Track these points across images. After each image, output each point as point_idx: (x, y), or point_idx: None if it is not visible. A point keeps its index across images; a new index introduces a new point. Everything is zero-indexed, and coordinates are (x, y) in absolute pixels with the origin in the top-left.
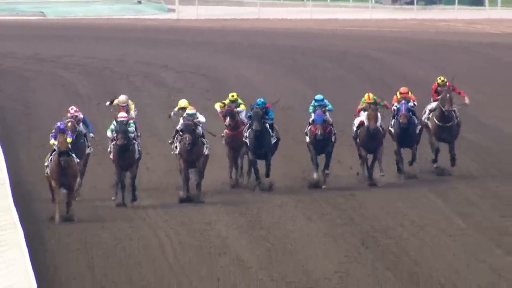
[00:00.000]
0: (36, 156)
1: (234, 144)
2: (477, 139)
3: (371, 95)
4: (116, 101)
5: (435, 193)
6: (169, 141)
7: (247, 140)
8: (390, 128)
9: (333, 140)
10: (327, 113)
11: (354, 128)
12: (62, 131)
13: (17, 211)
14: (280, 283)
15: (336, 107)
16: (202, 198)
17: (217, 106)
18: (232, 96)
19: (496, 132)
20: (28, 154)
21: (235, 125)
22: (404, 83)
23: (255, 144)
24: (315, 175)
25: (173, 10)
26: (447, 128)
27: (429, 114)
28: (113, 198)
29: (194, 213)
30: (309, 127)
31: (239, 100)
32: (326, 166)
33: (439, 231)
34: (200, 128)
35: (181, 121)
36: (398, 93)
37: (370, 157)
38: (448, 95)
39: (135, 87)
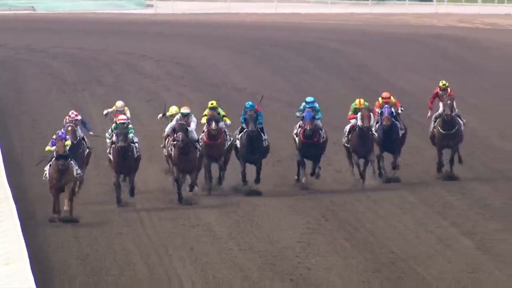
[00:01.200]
0: (26, 136)
1: (211, 154)
2: (424, 120)
3: (362, 100)
4: (113, 107)
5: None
6: (161, 145)
7: (237, 144)
8: (373, 132)
9: (321, 144)
10: (318, 121)
11: (345, 134)
12: (61, 139)
13: (10, 186)
14: (247, 252)
15: (298, 93)
16: (195, 201)
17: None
18: (212, 104)
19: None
20: (20, 134)
21: (215, 135)
22: (358, 71)
23: (248, 148)
24: (303, 180)
25: (151, 6)
26: (450, 136)
27: (434, 122)
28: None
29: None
30: (299, 129)
31: (219, 109)
32: (313, 170)
33: (392, 205)
34: (194, 134)
35: (169, 125)
36: (380, 98)
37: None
38: (449, 101)
39: (116, 74)
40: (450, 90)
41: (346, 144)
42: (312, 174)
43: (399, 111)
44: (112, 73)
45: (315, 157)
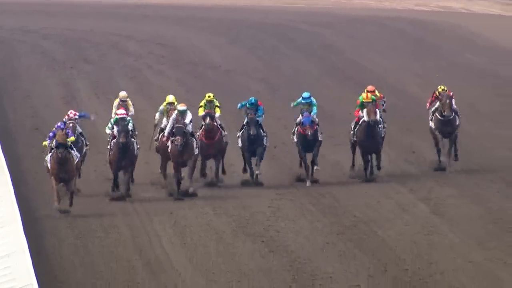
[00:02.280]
0: (19, 110)
1: (206, 153)
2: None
3: (369, 94)
4: (117, 99)
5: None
6: (154, 138)
7: (239, 140)
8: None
9: (319, 139)
10: (314, 115)
11: (351, 128)
12: (61, 129)
13: (4, 156)
14: (222, 216)
15: (270, 70)
16: (194, 192)
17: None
18: (209, 96)
19: (401, 93)
20: (13, 108)
21: (212, 134)
22: (325, 50)
23: (248, 144)
24: (303, 172)
25: None
26: (448, 122)
27: (432, 115)
28: (113, 195)
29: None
30: (297, 128)
31: (215, 102)
32: (313, 163)
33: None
34: (189, 127)
35: (165, 121)
36: (365, 90)
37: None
38: (448, 100)
39: (102, 53)
40: (449, 90)
41: (353, 138)
42: (314, 163)
43: (383, 103)
44: (98, 52)
45: (315, 148)
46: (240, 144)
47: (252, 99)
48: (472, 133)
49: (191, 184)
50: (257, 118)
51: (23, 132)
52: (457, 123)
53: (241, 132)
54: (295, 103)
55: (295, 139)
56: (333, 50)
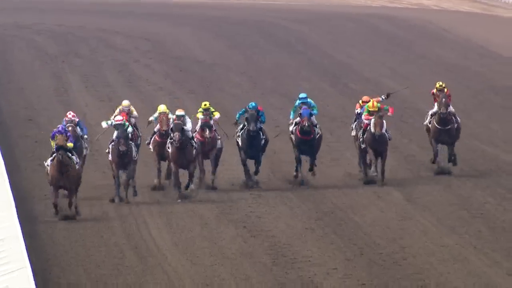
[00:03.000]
0: (13, 102)
1: (203, 150)
2: (360, 88)
3: (375, 103)
4: (120, 107)
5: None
6: (146, 142)
7: (238, 140)
8: (352, 126)
9: (317, 141)
10: (313, 117)
11: (360, 135)
12: (61, 133)
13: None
14: (207, 203)
15: (251, 64)
16: (194, 194)
17: (199, 115)
18: (205, 105)
19: (375, 85)
20: (7, 100)
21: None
22: (304, 45)
23: (247, 144)
24: (298, 177)
25: None
26: (446, 131)
27: (430, 118)
28: (115, 200)
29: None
30: (295, 129)
31: (212, 108)
32: (311, 166)
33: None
34: (189, 132)
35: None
36: (360, 101)
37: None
38: (444, 99)
39: (92, 48)
40: (447, 89)
41: (361, 145)
42: (310, 169)
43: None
44: (88, 47)
45: (312, 153)
46: (239, 143)
47: (252, 103)
48: None
49: (191, 190)
50: (261, 124)
51: (17, 123)
52: (455, 132)
53: (241, 131)
54: (293, 107)
55: (293, 139)
56: (311, 45)
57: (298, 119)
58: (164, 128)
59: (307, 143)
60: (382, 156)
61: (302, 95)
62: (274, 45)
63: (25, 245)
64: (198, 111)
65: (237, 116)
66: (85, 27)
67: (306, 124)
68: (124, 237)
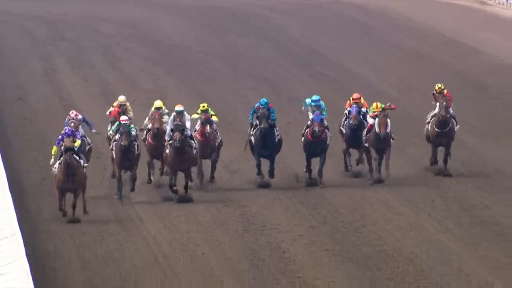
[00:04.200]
0: (5, 82)
1: (203, 152)
2: (329, 73)
3: (379, 104)
4: (116, 102)
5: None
6: (142, 138)
7: (252, 139)
8: (341, 128)
9: (328, 143)
10: (324, 120)
11: (364, 134)
12: (69, 136)
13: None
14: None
15: (227, 48)
16: (191, 197)
17: (195, 116)
18: (203, 106)
19: (342, 69)
20: None
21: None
22: (275, 31)
23: (261, 143)
24: (307, 176)
25: None
26: (444, 134)
27: (430, 119)
28: (115, 196)
29: None
30: (306, 130)
31: (210, 111)
32: (320, 169)
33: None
34: (188, 131)
35: (146, 120)
36: (351, 98)
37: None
38: (444, 102)
39: (77, 33)
40: (447, 91)
41: (364, 144)
42: (320, 172)
43: (364, 109)
44: (74, 32)
45: (322, 155)
46: (253, 142)
47: (264, 99)
48: (403, 105)
49: (190, 188)
50: (271, 122)
51: (8, 102)
52: (453, 133)
53: (254, 130)
54: (304, 104)
55: (303, 141)
56: (283, 31)
57: (309, 122)
58: (156, 125)
59: (318, 144)
60: (386, 154)
61: (315, 97)
62: (248, 31)
63: (16, 215)
64: (195, 112)
65: (250, 117)
66: (71, 13)
67: (317, 129)
68: (108, 208)
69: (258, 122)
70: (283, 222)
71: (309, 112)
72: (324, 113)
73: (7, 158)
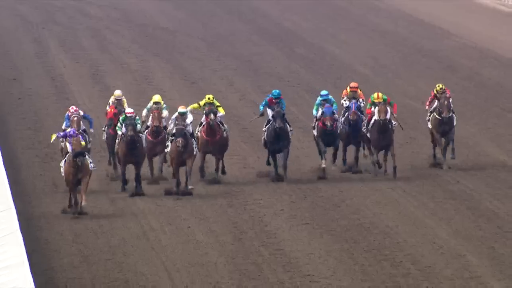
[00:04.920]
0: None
1: (208, 150)
2: (304, 52)
3: (380, 94)
4: (112, 98)
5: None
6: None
7: (265, 135)
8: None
9: (338, 132)
10: (335, 111)
11: (364, 126)
12: (76, 136)
13: None
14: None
15: (208, 29)
16: (190, 190)
17: (190, 108)
18: (209, 98)
19: (318, 49)
20: None
21: (214, 131)
22: (253, 13)
23: (274, 139)
24: (323, 165)
25: None
26: (446, 121)
27: (430, 115)
28: (119, 190)
29: None
30: (317, 122)
31: (216, 102)
32: (334, 158)
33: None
34: (190, 128)
35: (144, 112)
36: (348, 87)
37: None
38: (446, 102)
39: (68, 16)
40: (447, 90)
41: (365, 134)
42: (335, 159)
43: (362, 104)
44: (65, 15)
45: (334, 143)
46: (265, 137)
47: (276, 90)
48: (376, 83)
49: (190, 183)
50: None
51: (2, 82)
52: (454, 123)
53: (266, 126)
54: (315, 106)
55: (315, 133)
56: (260, 13)
57: (319, 114)
58: (156, 123)
59: (329, 133)
60: (389, 148)
61: (323, 92)
62: (228, 13)
63: (10, 190)
64: (199, 103)
65: (260, 107)
66: None
67: (329, 124)
68: (97, 184)
69: (272, 120)
70: (265, 197)
71: (314, 110)
72: (334, 105)
73: (1, 135)
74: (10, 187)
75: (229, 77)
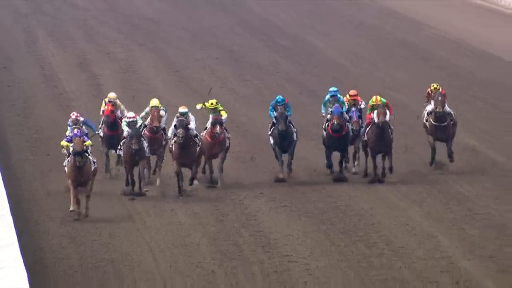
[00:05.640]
0: None
1: (211, 153)
2: (285, 43)
3: (378, 97)
4: (106, 99)
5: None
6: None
7: (270, 137)
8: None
9: (349, 137)
10: (344, 113)
11: (363, 129)
12: (78, 136)
13: None
14: None
15: (192, 22)
16: (191, 192)
17: (198, 106)
18: (211, 104)
19: (300, 42)
20: None
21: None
22: (236, 5)
23: (279, 141)
24: (333, 170)
25: None
26: (442, 128)
27: (427, 116)
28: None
29: None
30: (327, 123)
31: (219, 107)
32: (341, 162)
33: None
34: (193, 131)
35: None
36: (347, 95)
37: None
38: (440, 97)
39: (56, 7)
40: (442, 89)
41: (363, 139)
42: (341, 164)
43: (362, 106)
44: (53, 6)
45: (343, 150)
46: (271, 141)
47: (280, 96)
48: (355, 74)
49: (194, 188)
50: (287, 114)
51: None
52: (452, 128)
53: (271, 129)
54: (323, 104)
55: (324, 136)
56: (242, 6)
57: (329, 116)
58: (156, 124)
59: (338, 139)
60: (387, 154)
61: (332, 88)
62: (211, 5)
63: (1, 175)
64: (205, 105)
65: (270, 114)
66: None
67: (336, 122)
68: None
69: (276, 122)
70: (245, 180)
71: (322, 108)
72: (344, 108)
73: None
74: (0, 171)
75: (211, 66)
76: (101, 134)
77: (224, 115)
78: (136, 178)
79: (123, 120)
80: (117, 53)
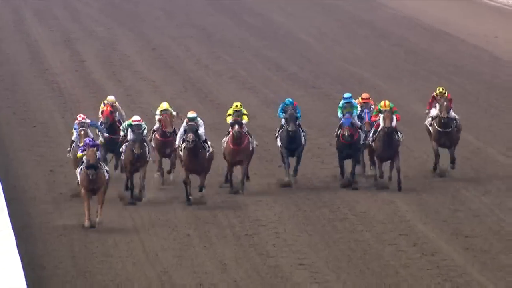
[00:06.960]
0: None
1: (234, 160)
2: (254, 21)
3: (387, 102)
4: (105, 100)
5: None
6: (149, 138)
7: (278, 139)
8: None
9: (361, 145)
10: (355, 117)
11: (370, 134)
12: (90, 146)
13: None
14: None
15: (168, 2)
16: (204, 199)
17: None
18: (236, 106)
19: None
20: None
21: (240, 140)
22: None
23: (287, 143)
24: (343, 177)
25: None
26: (446, 134)
27: (431, 121)
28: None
29: None
30: (339, 131)
31: (243, 110)
32: (353, 170)
33: None
34: (203, 136)
35: (157, 125)
36: (360, 98)
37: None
38: (445, 103)
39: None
40: (448, 93)
41: (370, 143)
42: (353, 173)
43: (371, 107)
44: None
45: (355, 156)
46: (279, 143)
47: (289, 99)
48: (318, 49)
49: (202, 196)
50: (297, 115)
51: None
52: (457, 135)
53: (279, 131)
54: (339, 109)
55: (336, 143)
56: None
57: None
58: (169, 129)
59: (350, 146)
60: (394, 160)
61: (346, 94)
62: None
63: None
64: (228, 112)
65: (279, 114)
66: None
67: (347, 134)
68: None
69: (285, 123)
70: (220, 151)
71: (339, 113)
72: (354, 111)
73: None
74: None
75: (186, 44)
76: (102, 140)
77: (245, 119)
78: (136, 182)
79: (126, 122)
80: (98, 32)
